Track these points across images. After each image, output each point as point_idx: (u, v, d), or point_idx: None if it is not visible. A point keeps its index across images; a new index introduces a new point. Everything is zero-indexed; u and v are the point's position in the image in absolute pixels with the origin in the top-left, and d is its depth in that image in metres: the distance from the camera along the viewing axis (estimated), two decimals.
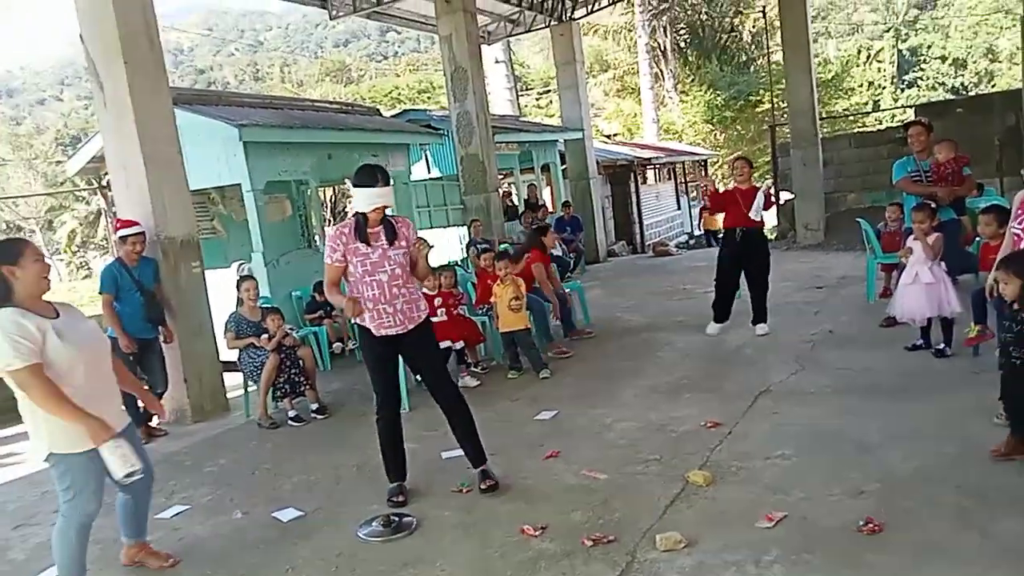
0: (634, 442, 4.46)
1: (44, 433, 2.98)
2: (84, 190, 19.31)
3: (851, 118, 25.68)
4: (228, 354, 6.26)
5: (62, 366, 2.91)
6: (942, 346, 5.40)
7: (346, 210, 23.06)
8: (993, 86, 32.76)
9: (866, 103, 31.70)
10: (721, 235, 7.02)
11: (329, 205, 14.47)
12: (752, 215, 6.49)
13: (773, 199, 6.77)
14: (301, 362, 5.94)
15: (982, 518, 3.08)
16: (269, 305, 6.47)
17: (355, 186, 3.85)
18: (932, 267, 5.20)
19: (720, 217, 7.07)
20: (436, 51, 11.37)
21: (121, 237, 5.72)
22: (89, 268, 28.96)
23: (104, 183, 9.95)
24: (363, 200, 3.78)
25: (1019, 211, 3.91)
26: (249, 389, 6.11)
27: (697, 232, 17.96)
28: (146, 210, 5.87)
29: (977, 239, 6.41)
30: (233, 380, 6.50)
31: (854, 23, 43.49)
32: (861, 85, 32.20)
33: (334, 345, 7.72)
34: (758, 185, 6.83)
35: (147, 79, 5.87)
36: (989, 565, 2.75)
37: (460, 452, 4.51)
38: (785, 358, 5.92)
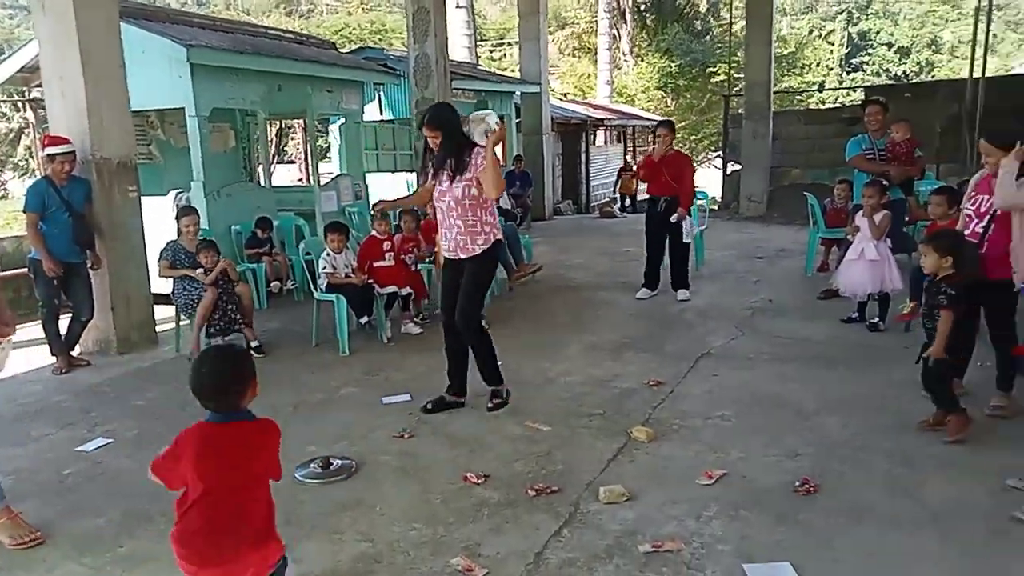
0: (577, 396, 4.48)
1: None
2: (4, 102, 18.10)
3: (798, 95, 26.05)
4: (161, 285, 6.01)
5: None
6: (876, 320, 5.58)
7: (286, 147, 22.27)
8: (933, 76, 33.63)
9: (816, 82, 32.22)
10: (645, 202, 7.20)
11: (275, 140, 13.92)
12: (685, 238, 6.82)
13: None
14: (238, 298, 5.74)
15: (911, 483, 3.20)
16: (204, 239, 6.19)
17: None
18: (878, 244, 5.31)
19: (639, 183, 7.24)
20: None
21: (49, 155, 5.35)
22: (5, 189, 27.17)
23: (31, 97, 9.31)
24: None
25: (972, 193, 4.00)
26: (181, 323, 5.88)
27: (613, 195, 17.86)
28: (82, 127, 5.50)
29: (920, 221, 6.59)
30: (163, 313, 6.26)
31: (810, 2, 43.89)
32: (814, 64, 32.60)
33: (272, 284, 7.50)
34: (683, 152, 7.03)
35: None
36: (916, 527, 2.86)
37: (402, 397, 4.56)
38: (725, 324, 6.02)
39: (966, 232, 3.96)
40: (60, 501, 3.43)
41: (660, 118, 24.92)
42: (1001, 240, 3.77)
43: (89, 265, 5.56)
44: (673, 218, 6.66)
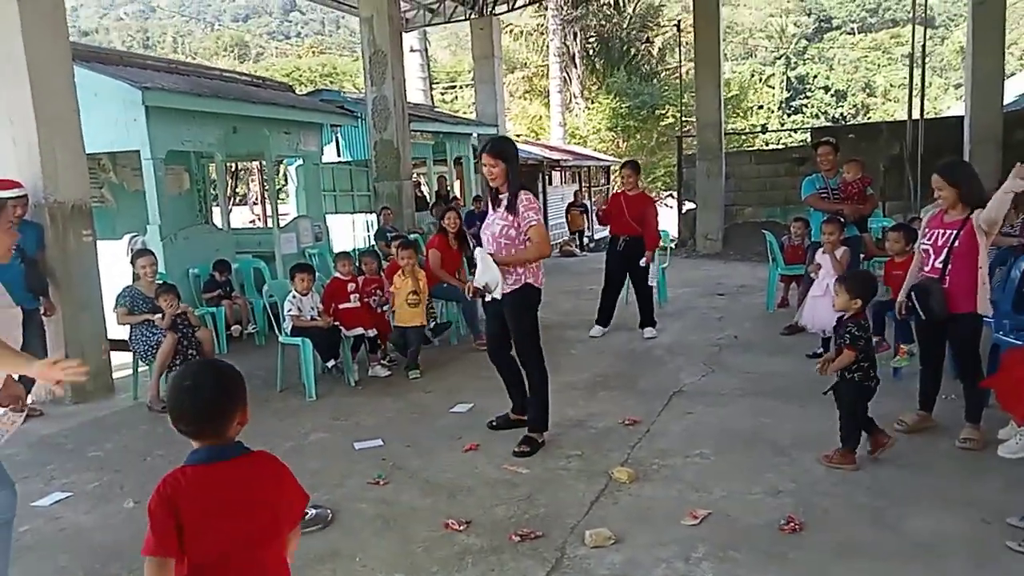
0: (555, 437, 4.42)
1: None
2: None
3: (744, 136, 26.89)
4: (117, 331, 5.80)
5: None
6: None
7: (237, 190, 21.97)
8: (869, 118, 35.10)
9: (760, 124, 33.32)
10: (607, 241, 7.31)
11: (230, 183, 13.74)
12: (650, 281, 6.97)
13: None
14: (199, 344, 5.57)
15: (893, 517, 3.22)
16: (163, 282, 6.03)
17: None
18: None
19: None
20: (341, 35, 11.03)
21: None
22: None
23: None
24: None
25: (927, 229, 4.12)
26: (139, 370, 5.67)
27: (567, 235, 18.23)
28: (35, 170, 5.35)
29: (875, 257, 6.78)
30: (120, 359, 6.04)
31: (749, 47, 45.62)
32: (756, 106, 33.75)
33: (232, 328, 7.31)
34: (647, 192, 7.17)
35: (44, 21, 5.36)
36: (904, 561, 2.87)
37: (374, 442, 4.46)
38: (694, 360, 6.06)
39: (925, 268, 4.07)
40: (17, 561, 3.22)
41: (611, 158, 25.56)
42: (962, 274, 3.88)
43: (42, 312, 5.35)
44: (641, 262, 6.74)
